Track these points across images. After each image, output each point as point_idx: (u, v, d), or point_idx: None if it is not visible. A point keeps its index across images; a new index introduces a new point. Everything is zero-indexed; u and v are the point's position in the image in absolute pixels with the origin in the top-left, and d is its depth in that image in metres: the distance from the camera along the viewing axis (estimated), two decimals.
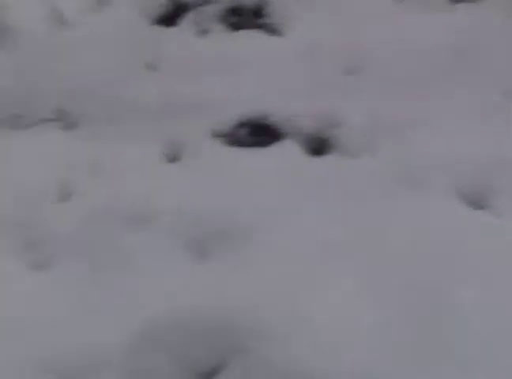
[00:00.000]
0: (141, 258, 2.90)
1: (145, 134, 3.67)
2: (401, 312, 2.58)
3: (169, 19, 4.83)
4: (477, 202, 3.14)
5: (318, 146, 3.62)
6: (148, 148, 3.56)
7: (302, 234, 2.96)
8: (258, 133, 3.75)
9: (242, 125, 3.77)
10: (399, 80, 3.98)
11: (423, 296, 2.63)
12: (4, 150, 3.62)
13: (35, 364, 2.50)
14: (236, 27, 4.73)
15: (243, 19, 4.81)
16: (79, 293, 2.77)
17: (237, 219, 3.06)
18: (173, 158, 3.56)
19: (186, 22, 4.77)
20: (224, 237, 2.98)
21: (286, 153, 3.55)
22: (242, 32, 4.68)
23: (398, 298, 2.63)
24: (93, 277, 2.83)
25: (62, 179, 3.37)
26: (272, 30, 4.67)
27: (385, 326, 2.53)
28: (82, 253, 2.96)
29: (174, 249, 2.95)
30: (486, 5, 4.66)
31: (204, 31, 4.69)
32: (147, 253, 2.92)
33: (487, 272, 2.73)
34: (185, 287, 2.75)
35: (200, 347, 2.52)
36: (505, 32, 4.38)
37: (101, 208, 3.18)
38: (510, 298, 2.62)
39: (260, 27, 4.71)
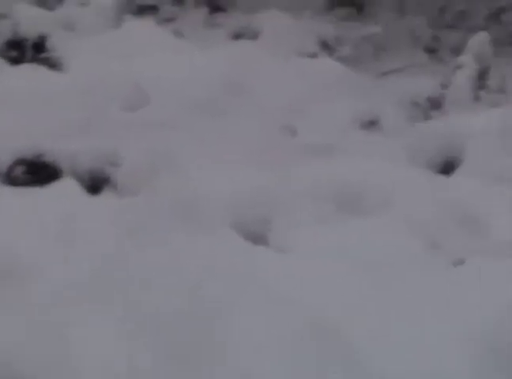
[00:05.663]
0: None
1: None
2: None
3: None
4: (258, 237, 3.19)
5: (97, 184, 3.57)
6: None
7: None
8: (35, 171, 3.63)
9: (18, 163, 3.65)
10: (178, 116, 4.02)
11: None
12: None
13: None
14: (16, 61, 4.61)
15: (23, 52, 4.70)
16: None
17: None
18: None
19: None
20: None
21: (64, 192, 3.45)
22: (22, 66, 4.55)
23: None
24: None
25: None
26: (53, 65, 4.57)
27: None
28: None
29: None
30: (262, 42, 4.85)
31: None
32: None
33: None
34: None
35: None
36: (280, 68, 4.56)
37: None
38: None
39: (41, 61, 4.61)
